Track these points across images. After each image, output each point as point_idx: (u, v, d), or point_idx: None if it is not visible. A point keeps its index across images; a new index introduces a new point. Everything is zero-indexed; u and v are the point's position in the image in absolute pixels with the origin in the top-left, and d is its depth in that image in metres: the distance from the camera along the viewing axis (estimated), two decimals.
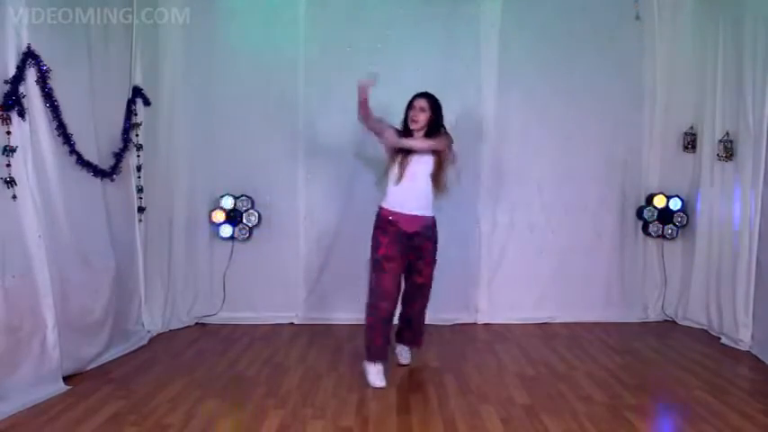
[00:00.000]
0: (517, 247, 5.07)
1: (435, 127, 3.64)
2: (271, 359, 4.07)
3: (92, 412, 3.11)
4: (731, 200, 4.56)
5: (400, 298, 3.79)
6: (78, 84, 3.72)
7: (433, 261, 3.76)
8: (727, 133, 4.60)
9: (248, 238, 4.97)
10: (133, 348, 4.18)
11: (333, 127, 4.89)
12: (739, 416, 3.13)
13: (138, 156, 4.42)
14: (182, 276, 4.87)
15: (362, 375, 3.65)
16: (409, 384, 3.63)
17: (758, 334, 4.23)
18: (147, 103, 4.44)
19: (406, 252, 3.63)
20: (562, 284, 5.08)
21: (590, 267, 5.11)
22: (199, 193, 4.93)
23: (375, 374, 3.57)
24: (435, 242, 3.75)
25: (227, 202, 4.91)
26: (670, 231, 5.08)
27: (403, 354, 3.96)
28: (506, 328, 4.90)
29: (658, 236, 5.12)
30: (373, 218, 3.69)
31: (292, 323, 4.99)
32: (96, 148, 3.88)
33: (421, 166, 3.59)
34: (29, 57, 3.27)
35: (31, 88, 3.30)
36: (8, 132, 3.17)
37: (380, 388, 3.51)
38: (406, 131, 3.65)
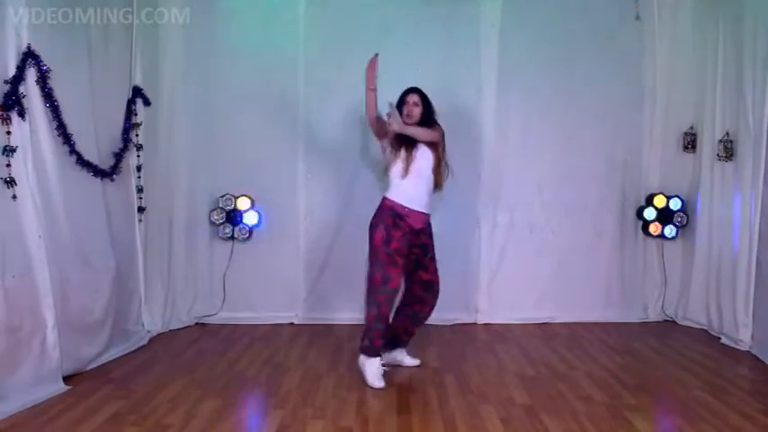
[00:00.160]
0: (517, 247, 5.07)
1: (428, 120, 3.68)
2: (271, 359, 4.07)
3: (92, 412, 3.11)
4: (731, 200, 4.56)
5: (405, 300, 3.80)
6: (78, 84, 3.72)
7: (435, 256, 3.78)
8: (727, 133, 4.60)
9: (248, 238, 4.97)
10: (133, 348, 4.18)
11: (333, 127, 4.90)
12: (739, 416, 3.13)
13: (138, 156, 4.42)
14: (182, 276, 4.87)
15: (362, 375, 3.66)
16: (409, 384, 3.63)
17: (758, 334, 4.23)
18: (147, 103, 4.44)
19: (410, 249, 3.64)
20: (562, 284, 5.08)
21: (590, 267, 5.11)
22: (199, 193, 4.93)
23: (374, 374, 3.55)
24: (433, 238, 3.78)
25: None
26: (670, 231, 5.09)
27: (406, 358, 3.93)
28: (506, 328, 4.90)
29: (658, 236, 5.13)
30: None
31: (292, 323, 4.99)
32: (96, 148, 3.88)
33: (424, 161, 3.61)
34: (29, 57, 3.27)
35: (31, 88, 3.30)
36: (8, 132, 3.17)
37: (380, 389, 3.50)
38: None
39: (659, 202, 5.06)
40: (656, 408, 3.37)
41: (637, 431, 2.96)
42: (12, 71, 3.20)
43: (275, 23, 4.91)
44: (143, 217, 4.49)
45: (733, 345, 4.36)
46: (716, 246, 4.73)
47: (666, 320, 5.16)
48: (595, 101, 5.02)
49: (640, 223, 5.17)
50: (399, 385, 3.59)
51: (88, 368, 3.73)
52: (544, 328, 4.93)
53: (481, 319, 5.05)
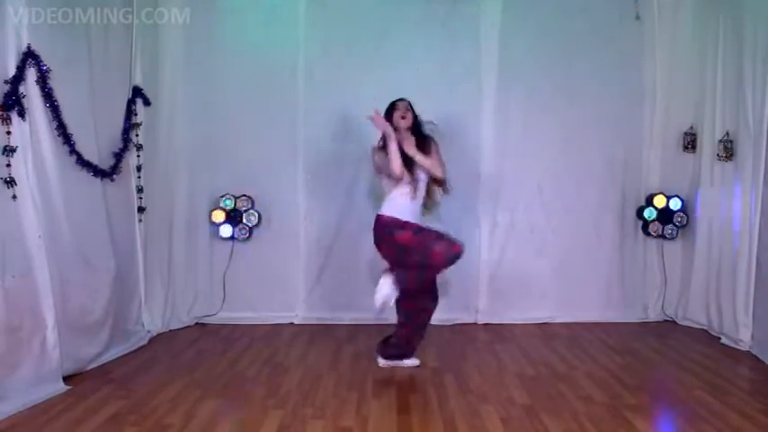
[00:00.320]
0: (517, 248, 5.07)
1: (418, 127, 3.75)
2: (271, 359, 4.07)
3: (92, 412, 3.11)
4: (731, 200, 4.55)
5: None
6: (78, 84, 3.72)
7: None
8: (727, 133, 4.60)
9: (248, 238, 4.97)
10: (133, 348, 4.18)
11: (333, 127, 4.89)
12: (739, 416, 3.13)
13: (138, 156, 4.42)
14: (182, 276, 4.88)
15: (362, 375, 3.69)
16: (409, 384, 3.63)
17: (758, 334, 4.23)
18: (147, 103, 4.44)
19: None
20: (562, 284, 5.08)
21: (590, 267, 5.11)
22: (199, 193, 4.93)
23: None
24: None
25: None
26: (670, 231, 5.09)
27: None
28: (506, 328, 4.90)
29: (658, 236, 5.13)
30: (372, 217, 3.68)
31: (292, 323, 4.99)
32: (96, 148, 3.88)
33: (422, 184, 3.69)
34: (29, 57, 3.27)
35: (31, 88, 3.30)
36: (8, 132, 3.17)
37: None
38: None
39: (659, 202, 5.06)
40: (657, 408, 3.36)
41: (637, 431, 2.96)
42: (12, 71, 3.20)
43: (275, 23, 4.91)
44: (143, 217, 4.49)
45: (733, 345, 4.36)
46: (716, 246, 4.73)
47: (666, 320, 5.16)
48: (595, 101, 5.01)
49: (640, 223, 5.17)
50: (399, 385, 3.59)
51: (88, 368, 3.73)
52: (544, 328, 4.93)
53: (481, 319, 5.05)
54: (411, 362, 3.89)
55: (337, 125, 4.87)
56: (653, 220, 5.09)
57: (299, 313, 5.03)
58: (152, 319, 4.60)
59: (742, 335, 4.32)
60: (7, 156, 3.16)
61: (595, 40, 4.99)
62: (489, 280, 5.06)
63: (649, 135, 5.13)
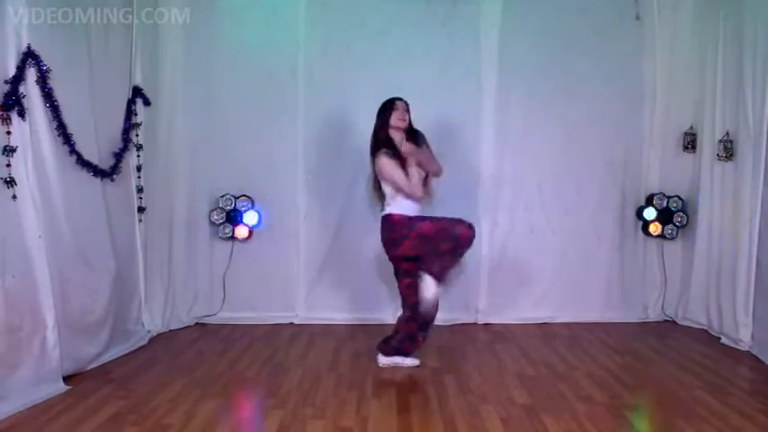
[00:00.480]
0: (517, 247, 5.07)
1: (411, 127, 3.82)
2: (271, 359, 4.07)
3: (92, 412, 3.11)
4: (731, 200, 4.56)
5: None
6: (78, 84, 3.72)
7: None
8: (727, 133, 4.60)
9: (248, 238, 4.97)
10: (133, 348, 4.18)
11: (332, 127, 4.89)
12: (739, 416, 3.13)
13: (138, 156, 4.42)
14: (182, 276, 4.87)
15: (362, 375, 3.69)
16: (409, 384, 3.63)
17: (758, 334, 4.23)
18: (147, 103, 4.44)
19: None
20: (562, 284, 5.08)
21: (590, 267, 5.11)
22: (199, 193, 4.93)
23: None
24: None
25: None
26: (670, 231, 5.09)
27: (406, 358, 3.94)
28: (506, 328, 4.90)
29: (658, 236, 5.12)
30: (372, 217, 3.69)
31: (292, 323, 4.99)
32: (96, 148, 3.88)
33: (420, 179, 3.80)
34: (29, 57, 3.27)
35: (31, 88, 3.30)
36: (8, 132, 3.17)
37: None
38: (387, 141, 3.72)
39: (659, 202, 5.06)
40: (656, 408, 3.36)
41: (637, 431, 2.96)
42: (12, 71, 3.19)
43: (275, 23, 4.91)
44: (143, 217, 4.49)
45: (733, 345, 4.36)
46: (716, 246, 4.73)
47: (666, 320, 5.16)
48: (595, 101, 5.01)
49: (640, 223, 5.17)
50: (399, 385, 3.59)
51: (88, 368, 3.73)
52: (544, 328, 4.93)
53: (481, 319, 5.05)
54: (411, 362, 3.89)
55: (337, 125, 4.87)
56: (653, 220, 5.08)
57: (298, 313, 5.03)
58: (152, 319, 4.59)
59: (742, 335, 4.32)
60: (7, 156, 3.16)
61: (595, 39, 4.98)
62: (489, 280, 5.06)
63: (649, 135, 5.13)
